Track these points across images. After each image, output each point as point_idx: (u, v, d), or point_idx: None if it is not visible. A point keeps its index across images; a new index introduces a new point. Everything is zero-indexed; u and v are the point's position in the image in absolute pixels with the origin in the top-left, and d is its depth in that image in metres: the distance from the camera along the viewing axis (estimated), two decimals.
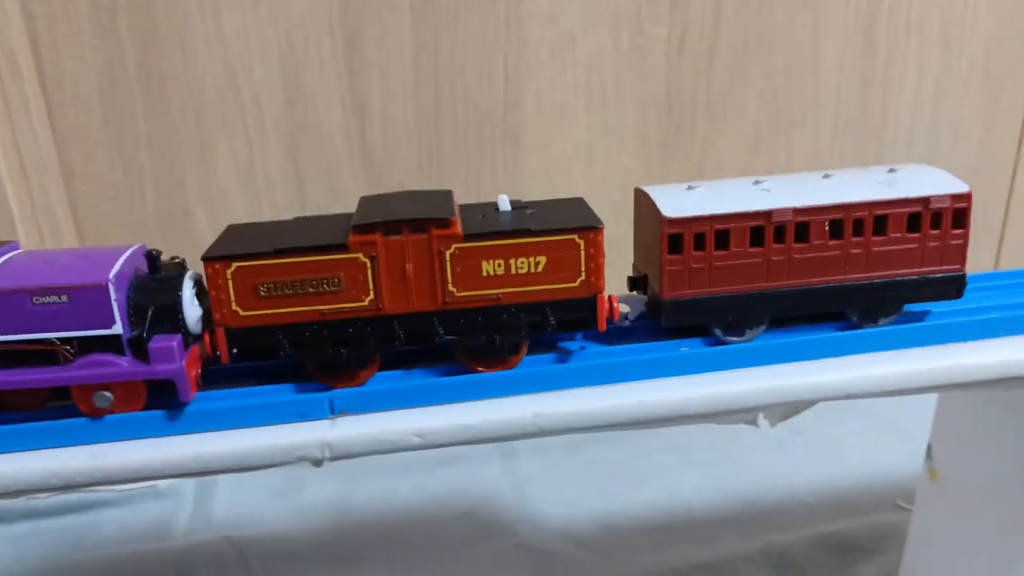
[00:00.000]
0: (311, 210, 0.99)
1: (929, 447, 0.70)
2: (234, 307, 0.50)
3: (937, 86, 1.09)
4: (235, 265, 0.49)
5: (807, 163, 1.08)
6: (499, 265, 0.51)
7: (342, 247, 0.50)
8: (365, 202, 0.55)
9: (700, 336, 0.56)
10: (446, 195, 0.56)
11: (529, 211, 0.54)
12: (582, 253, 0.52)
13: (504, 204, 0.55)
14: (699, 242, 0.53)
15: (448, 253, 0.50)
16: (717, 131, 1.05)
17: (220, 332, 0.50)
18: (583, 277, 0.52)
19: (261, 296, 0.50)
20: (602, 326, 0.53)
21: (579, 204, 0.56)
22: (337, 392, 0.52)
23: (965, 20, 1.06)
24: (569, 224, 0.51)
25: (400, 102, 0.97)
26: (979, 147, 1.13)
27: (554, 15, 0.96)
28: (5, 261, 0.50)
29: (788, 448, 1.01)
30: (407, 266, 0.51)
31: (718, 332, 0.55)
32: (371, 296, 0.51)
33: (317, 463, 0.52)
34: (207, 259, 0.49)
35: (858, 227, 0.54)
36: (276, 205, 0.98)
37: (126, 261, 0.50)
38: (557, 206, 0.56)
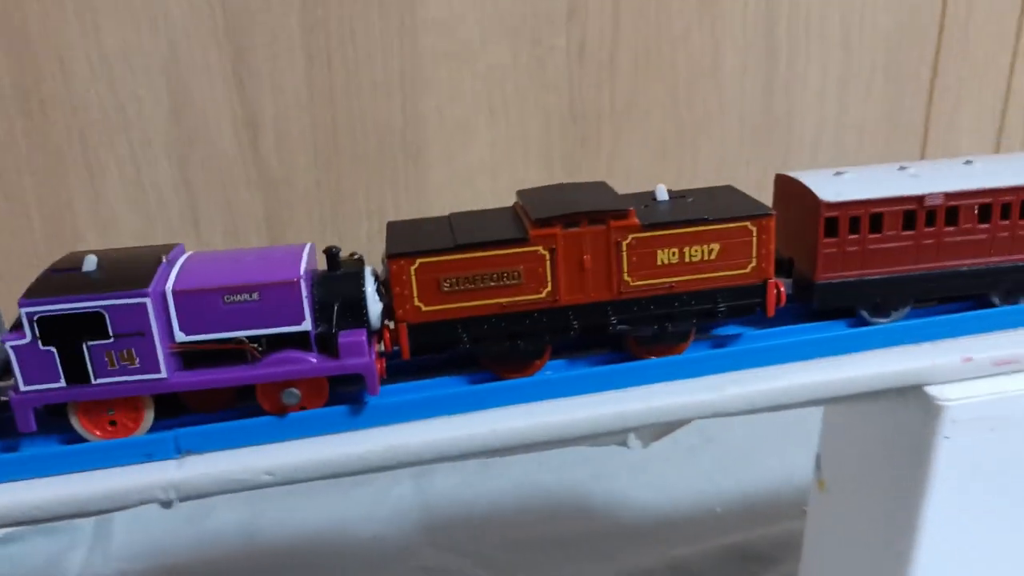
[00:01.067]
0: (205, 227, 0.97)
1: (818, 457, 0.70)
2: (416, 303, 0.50)
3: (840, 88, 1.09)
4: (419, 261, 0.49)
5: (715, 170, 1.08)
6: (674, 254, 0.52)
7: (523, 240, 0.50)
8: (529, 196, 0.55)
9: (846, 318, 0.58)
10: (605, 186, 0.56)
11: (689, 199, 0.55)
12: (754, 240, 0.53)
13: (662, 194, 0.56)
14: (854, 226, 0.55)
15: (625, 243, 0.51)
16: (623, 141, 1.04)
17: (403, 328, 0.50)
18: (754, 263, 0.53)
19: (443, 291, 0.50)
20: (771, 311, 0.54)
21: (733, 192, 0.57)
22: (182, 431, 0.50)
23: (864, 21, 1.07)
24: (741, 211, 0.52)
25: (295, 115, 0.95)
26: (885, 147, 1.14)
27: (451, 26, 0.95)
28: (183, 263, 0.50)
29: (700, 456, 1.01)
30: (584, 257, 0.51)
31: (864, 314, 0.57)
32: (548, 288, 0.51)
33: (165, 505, 0.50)
34: (391, 256, 0.49)
35: (1005, 211, 0.56)
36: (169, 223, 0.96)
37: (307, 259, 0.50)
38: (711, 194, 0.57)
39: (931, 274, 0.57)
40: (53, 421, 0.49)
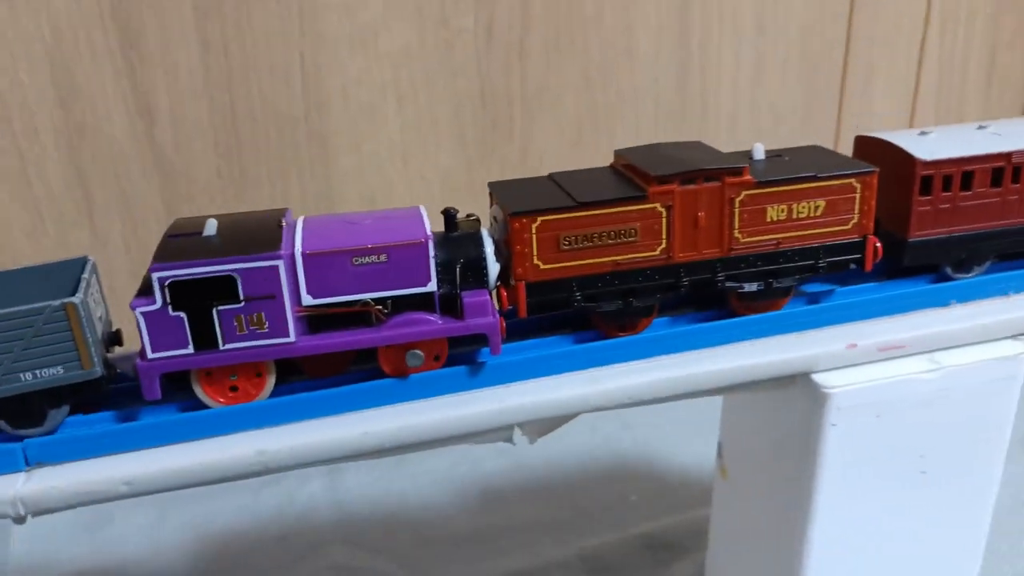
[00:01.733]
0: (101, 220, 0.93)
1: (719, 445, 0.69)
2: (535, 261, 0.50)
3: (755, 70, 1.09)
4: (540, 219, 0.50)
5: None
6: (783, 210, 0.53)
7: (642, 197, 0.51)
8: (633, 154, 0.55)
9: (929, 273, 0.59)
10: (704, 145, 0.57)
11: (785, 158, 0.56)
12: (858, 196, 0.54)
13: (759, 153, 0.56)
14: (947, 184, 0.56)
15: (738, 200, 0.52)
16: (536, 125, 1.02)
17: (521, 286, 0.51)
18: (856, 219, 0.55)
19: (562, 249, 0.50)
20: (869, 266, 0.56)
21: (824, 150, 0.58)
22: (30, 442, 0.47)
23: (778, 4, 1.06)
24: (847, 169, 0.54)
25: (191, 103, 0.91)
26: (801, 128, 1.14)
27: (351, 8, 0.91)
28: (303, 226, 0.49)
29: (616, 444, 1.00)
30: (699, 214, 0.52)
31: (948, 269, 0.59)
32: (663, 245, 0.52)
33: (18, 520, 0.47)
34: (515, 214, 0.49)
35: None
36: (61, 217, 0.91)
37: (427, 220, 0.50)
38: (804, 153, 0.58)
39: (1013, 229, 0.59)
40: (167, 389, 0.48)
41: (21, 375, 0.45)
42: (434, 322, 0.48)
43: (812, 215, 0.54)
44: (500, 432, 0.52)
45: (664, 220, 0.51)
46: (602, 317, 0.53)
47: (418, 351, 0.49)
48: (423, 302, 0.49)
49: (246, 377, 0.48)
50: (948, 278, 0.59)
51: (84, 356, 0.46)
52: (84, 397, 0.47)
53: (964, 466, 0.58)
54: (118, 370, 0.50)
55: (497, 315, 0.49)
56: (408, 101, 0.97)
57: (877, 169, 0.54)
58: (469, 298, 0.49)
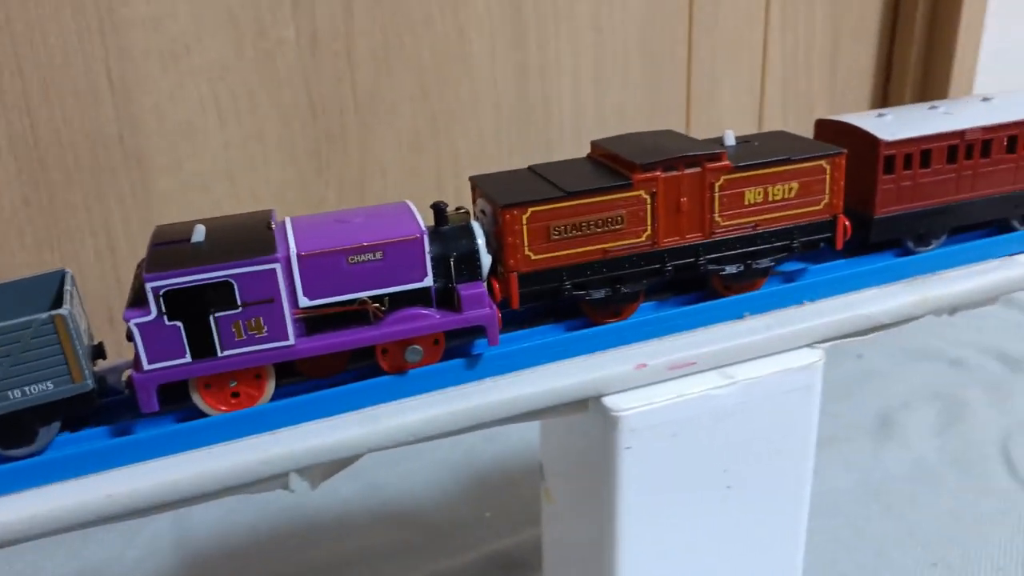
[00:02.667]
0: None
1: (540, 466, 0.67)
2: (527, 252, 0.50)
3: (597, 70, 1.08)
4: (531, 210, 0.50)
5: (474, 159, 1.04)
6: (760, 193, 0.54)
7: (627, 185, 0.51)
8: (612, 144, 0.56)
9: (892, 249, 0.61)
10: (677, 133, 0.58)
11: (755, 143, 0.57)
12: (828, 177, 0.56)
13: (730, 139, 0.57)
14: (908, 162, 0.59)
15: (717, 185, 0.53)
16: (373, 135, 0.99)
17: (513, 278, 0.51)
18: (827, 200, 0.56)
19: (552, 239, 0.51)
20: (840, 244, 0.57)
21: (790, 135, 0.60)
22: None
23: (614, 2, 1.05)
24: (818, 151, 0.55)
25: None
26: (648, 126, 1.13)
27: (159, 21, 0.86)
28: (293, 227, 0.48)
29: (478, 458, 0.98)
30: (682, 200, 0.53)
31: (910, 244, 0.61)
32: (648, 231, 0.53)
33: None
34: (505, 206, 0.49)
35: None
36: None
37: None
38: (772, 137, 0.59)
39: (967, 203, 0.61)
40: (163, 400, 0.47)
41: (10, 392, 0.43)
42: (432, 316, 0.48)
43: (786, 197, 0.55)
44: (274, 480, 0.49)
45: (649, 207, 0.52)
46: (591, 305, 0.54)
47: (417, 346, 0.48)
48: (419, 297, 0.48)
49: (246, 382, 0.47)
50: (910, 252, 0.61)
51: (75, 369, 0.44)
52: (75, 412, 0.46)
53: (771, 477, 0.57)
54: (108, 383, 0.49)
55: (494, 306, 0.49)
56: (230, 116, 0.92)
57: (845, 151, 0.56)
58: (465, 291, 0.49)
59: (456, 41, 0.98)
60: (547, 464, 0.67)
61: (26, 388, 0.44)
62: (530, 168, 0.56)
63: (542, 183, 0.53)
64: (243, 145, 0.94)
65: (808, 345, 0.56)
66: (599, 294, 0.53)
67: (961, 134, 0.60)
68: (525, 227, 0.50)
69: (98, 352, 0.48)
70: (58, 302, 0.45)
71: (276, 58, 0.92)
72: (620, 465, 0.52)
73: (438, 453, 0.99)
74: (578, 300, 0.54)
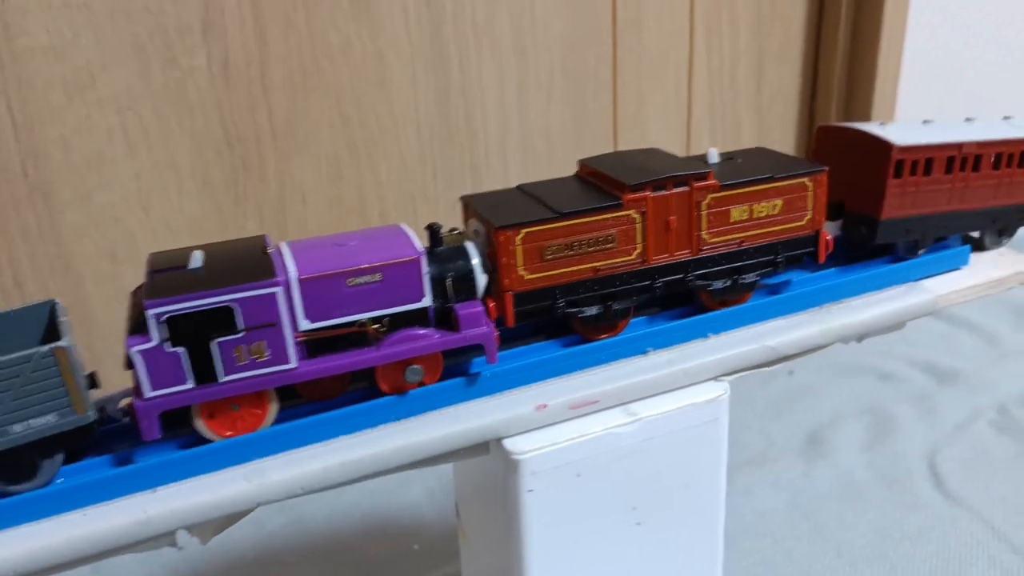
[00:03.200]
0: None
1: (456, 505, 0.66)
2: (520, 271, 0.51)
3: (521, 92, 1.07)
4: (524, 231, 0.50)
5: (397, 183, 1.03)
6: (745, 210, 0.56)
7: (618, 205, 0.52)
8: (599, 163, 0.57)
9: (883, 255, 0.64)
10: (661, 151, 0.60)
11: (738, 160, 0.59)
12: (810, 194, 0.57)
13: (714, 157, 0.58)
14: (914, 168, 0.61)
15: (704, 203, 0.54)
16: (291, 163, 0.97)
17: (508, 297, 0.51)
18: (809, 215, 0.58)
19: (545, 259, 0.51)
20: (822, 258, 0.59)
21: (770, 152, 0.61)
22: None
23: (536, 25, 1.05)
24: (800, 169, 0.57)
25: None
26: (575, 150, 1.13)
27: (61, 50, 0.84)
28: (291, 251, 0.48)
29: (407, 489, 0.96)
30: (670, 218, 0.54)
31: (901, 250, 0.63)
32: (639, 249, 0.54)
33: None
34: (500, 228, 0.50)
35: (1010, 160, 0.65)
36: None
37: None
38: (753, 155, 0.61)
39: (958, 213, 0.64)
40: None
41: (12, 427, 0.43)
42: (431, 336, 0.49)
43: (771, 214, 0.57)
44: (161, 539, 0.47)
45: (638, 226, 0.53)
46: (583, 322, 0.54)
47: (417, 366, 0.49)
48: (417, 317, 0.49)
49: (249, 407, 0.47)
50: (901, 259, 0.63)
51: (77, 401, 0.44)
52: (77, 445, 0.45)
53: (682, 511, 0.56)
54: (107, 412, 0.49)
55: (491, 325, 0.50)
56: (140, 146, 0.89)
57: (827, 168, 0.57)
58: (463, 310, 0.49)
59: (375, 65, 0.97)
60: (460, 502, 0.65)
61: (29, 422, 0.43)
62: (519, 188, 0.57)
63: (534, 204, 0.53)
64: (156, 175, 0.91)
65: (713, 378, 0.55)
66: (592, 311, 0.54)
67: (959, 147, 0.63)
68: (519, 247, 0.51)
69: (92, 383, 0.47)
70: (53, 333, 0.45)
71: (187, 86, 0.89)
72: (524, 507, 0.51)
73: (368, 483, 0.97)
74: (571, 318, 0.55)
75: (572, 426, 0.51)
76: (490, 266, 0.52)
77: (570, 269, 0.52)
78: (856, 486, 0.92)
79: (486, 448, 0.51)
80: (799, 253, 0.59)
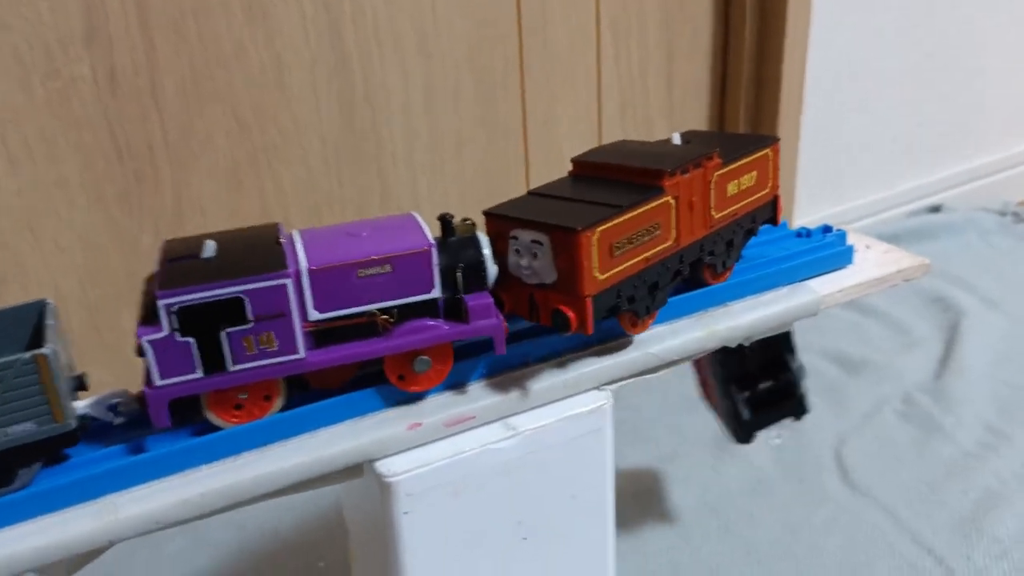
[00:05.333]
0: None
1: (346, 525, 0.65)
2: (595, 273, 0.49)
3: (428, 95, 1.05)
4: (599, 230, 0.49)
5: (302, 192, 1.01)
6: (736, 185, 0.57)
7: (660, 191, 0.52)
8: (605, 156, 0.56)
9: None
10: (633, 141, 0.60)
11: (696, 142, 0.59)
12: (770, 164, 0.60)
13: (677, 139, 0.59)
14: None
15: (712, 181, 0.55)
16: (187, 173, 0.94)
17: (588, 302, 0.49)
18: (771, 183, 0.61)
19: (614, 256, 0.50)
20: (779, 221, 0.63)
21: (716, 132, 0.63)
22: None
23: (439, 26, 1.03)
24: (761, 142, 0.60)
25: None
26: (486, 153, 1.12)
27: None
28: (303, 241, 0.48)
29: (315, 504, 0.94)
30: (693, 199, 0.54)
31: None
32: (674, 234, 0.54)
33: None
34: (582, 230, 0.48)
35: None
36: None
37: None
38: (704, 136, 0.62)
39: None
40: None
41: None
42: (441, 327, 0.48)
43: (749, 185, 0.59)
44: None
45: (673, 211, 0.53)
46: (631, 315, 0.54)
47: (425, 357, 0.49)
48: (427, 308, 0.49)
49: (257, 394, 0.47)
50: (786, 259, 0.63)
51: (56, 409, 0.43)
52: (57, 452, 0.45)
53: (569, 524, 0.55)
54: (93, 417, 0.48)
55: (500, 316, 0.49)
56: (23, 162, 0.86)
57: (779, 138, 0.61)
58: (473, 301, 0.49)
59: (273, 71, 0.95)
60: (348, 521, 0.64)
61: (7, 429, 0.43)
62: (532, 193, 0.55)
63: (582, 204, 0.51)
64: (43, 192, 0.87)
65: (596, 388, 0.55)
66: (644, 303, 0.54)
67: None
68: (595, 248, 0.49)
69: (80, 384, 0.47)
70: (38, 338, 0.44)
71: (71, 97, 0.86)
72: (401, 529, 0.49)
73: (278, 500, 0.95)
74: (624, 313, 0.54)
75: (448, 444, 0.50)
76: (558, 275, 0.49)
77: (629, 263, 0.52)
78: (766, 481, 0.93)
79: (359, 471, 0.50)
80: (765, 218, 0.62)
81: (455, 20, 1.03)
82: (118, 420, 0.49)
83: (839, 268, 0.64)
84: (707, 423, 1.03)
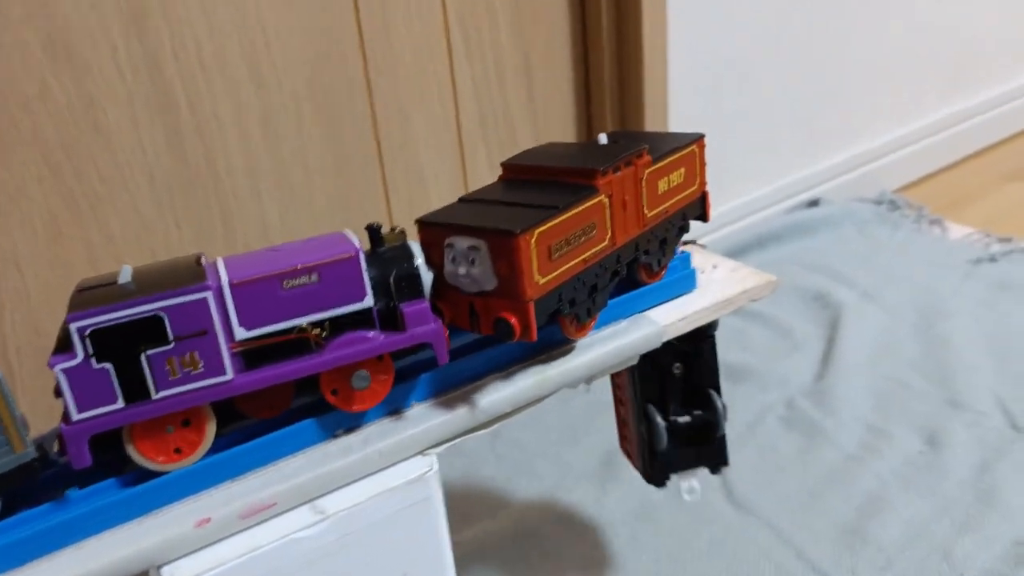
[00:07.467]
0: None
1: None
2: (536, 277, 0.47)
3: (266, 123, 0.98)
4: (536, 232, 0.47)
5: (134, 237, 0.92)
6: (666, 182, 0.57)
7: (594, 191, 0.51)
8: (534, 159, 0.55)
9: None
10: (560, 143, 0.60)
11: (622, 141, 0.57)
12: (697, 160, 0.60)
13: (604, 139, 0.57)
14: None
15: (643, 179, 0.55)
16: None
17: (530, 307, 0.47)
18: (699, 180, 0.61)
19: (552, 259, 0.48)
20: (709, 218, 0.62)
21: (634, 132, 0.61)
22: None
23: (273, 49, 0.96)
24: (687, 139, 0.59)
25: None
26: (338, 176, 1.05)
27: None
28: (225, 262, 0.45)
29: None
30: (626, 198, 0.54)
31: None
32: (610, 233, 0.53)
33: None
34: (519, 232, 0.46)
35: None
36: None
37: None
38: (628, 136, 0.60)
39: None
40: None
41: None
42: (376, 338, 0.46)
43: (679, 182, 0.58)
44: None
45: (607, 210, 0.52)
46: (572, 319, 0.52)
47: (364, 371, 0.46)
48: (361, 319, 0.46)
49: (183, 429, 0.44)
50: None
51: (14, 438, 0.41)
52: (17, 485, 0.41)
53: None
54: (48, 452, 0.45)
55: (439, 322, 0.47)
56: None
57: (704, 134, 0.60)
58: (408, 308, 0.47)
59: (84, 111, 0.86)
60: None
61: None
62: (463, 199, 0.53)
63: (517, 208, 0.49)
64: None
65: (419, 453, 0.49)
66: (585, 306, 0.52)
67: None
68: (534, 251, 0.47)
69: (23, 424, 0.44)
70: None
71: None
72: None
73: None
74: (566, 316, 0.52)
75: (245, 538, 0.44)
76: (497, 280, 0.47)
77: (568, 265, 0.50)
78: (648, 506, 0.89)
79: None
80: (696, 215, 0.61)
81: (289, 41, 0.97)
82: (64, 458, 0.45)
83: (682, 294, 0.60)
84: (591, 451, 0.99)
